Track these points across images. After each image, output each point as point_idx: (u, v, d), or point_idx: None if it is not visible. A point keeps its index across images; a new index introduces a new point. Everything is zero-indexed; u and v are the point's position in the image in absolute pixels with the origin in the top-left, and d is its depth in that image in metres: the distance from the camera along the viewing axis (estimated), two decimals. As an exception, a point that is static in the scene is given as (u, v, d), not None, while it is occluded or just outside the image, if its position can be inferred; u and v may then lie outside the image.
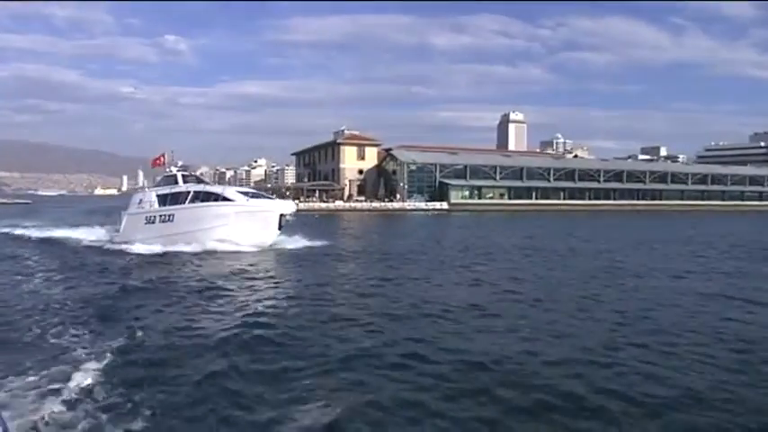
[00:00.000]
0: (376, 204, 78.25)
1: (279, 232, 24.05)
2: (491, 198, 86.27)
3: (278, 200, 26.52)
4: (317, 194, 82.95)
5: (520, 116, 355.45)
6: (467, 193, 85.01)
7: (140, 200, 26.77)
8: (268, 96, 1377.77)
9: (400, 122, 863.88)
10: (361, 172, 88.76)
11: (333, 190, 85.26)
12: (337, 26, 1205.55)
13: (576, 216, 68.57)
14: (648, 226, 50.98)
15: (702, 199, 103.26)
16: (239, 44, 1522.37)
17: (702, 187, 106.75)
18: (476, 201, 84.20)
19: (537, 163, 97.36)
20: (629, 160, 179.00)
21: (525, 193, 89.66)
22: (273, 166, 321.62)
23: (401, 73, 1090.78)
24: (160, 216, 24.93)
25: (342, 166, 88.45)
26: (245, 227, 22.94)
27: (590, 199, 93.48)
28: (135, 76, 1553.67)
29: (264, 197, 26.28)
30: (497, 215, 69.69)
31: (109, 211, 66.18)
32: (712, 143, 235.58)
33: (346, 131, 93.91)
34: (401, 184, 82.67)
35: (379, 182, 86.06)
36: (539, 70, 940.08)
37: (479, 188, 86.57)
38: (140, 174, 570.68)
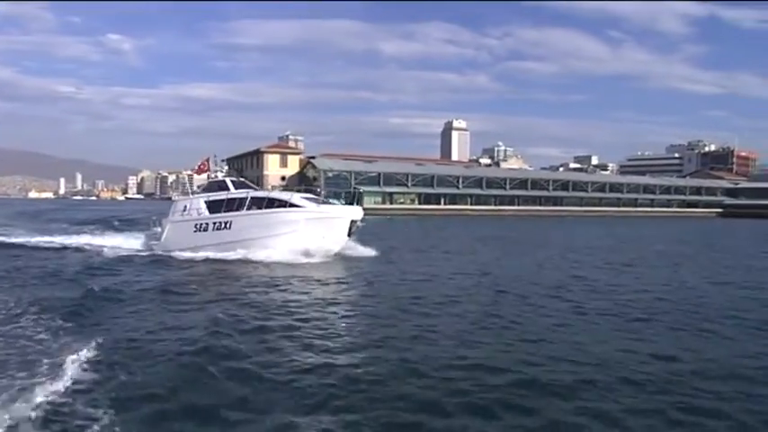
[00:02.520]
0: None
1: (348, 239, 23.67)
2: (402, 203, 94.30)
3: (346, 205, 26.35)
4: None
5: (463, 124, 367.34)
6: (379, 198, 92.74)
7: (185, 207, 25.46)
8: (215, 100, 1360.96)
9: (351, 128, 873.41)
10: (283, 178, 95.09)
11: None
12: (287, 30, 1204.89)
13: (476, 219, 76.86)
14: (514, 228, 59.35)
15: (600, 205, 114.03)
16: (186, 45, 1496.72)
17: (600, 194, 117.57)
18: (387, 206, 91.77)
19: (447, 171, 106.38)
20: (562, 169, 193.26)
21: (434, 198, 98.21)
22: (217, 171, 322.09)
23: (351, 79, 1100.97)
24: (214, 223, 23.89)
25: (265, 172, 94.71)
26: (316, 233, 22.35)
27: (496, 205, 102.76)
28: (75, 75, 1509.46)
29: (329, 202, 26.24)
30: (408, 219, 77.27)
31: (36, 214, 70.32)
32: (639, 153, 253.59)
33: (290, 137, 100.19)
34: (318, 190, 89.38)
35: (301, 188, 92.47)
36: (486, 78, 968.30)
37: (391, 194, 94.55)
38: (78, 176, 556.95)
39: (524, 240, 39.47)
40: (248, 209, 23.51)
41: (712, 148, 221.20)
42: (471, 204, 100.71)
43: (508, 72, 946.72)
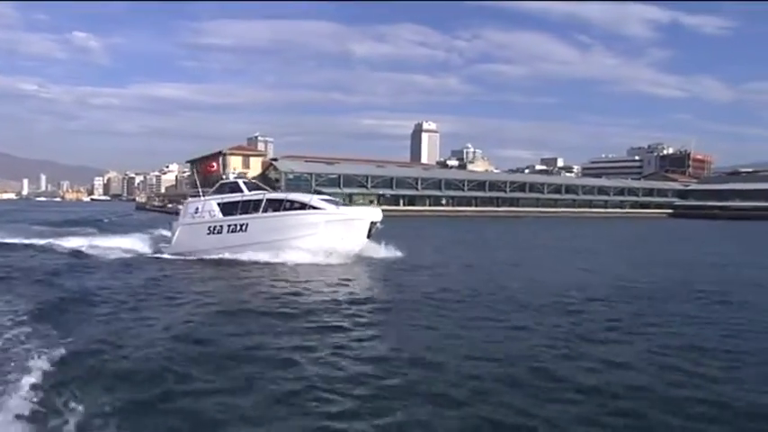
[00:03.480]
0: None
1: (367, 240, 23.50)
2: (361, 204, 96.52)
3: (365, 207, 25.82)
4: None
5: (433, 125, 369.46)
6: (339, 199, 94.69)
7: (197, 209, 25.13)
8: (185, 100, 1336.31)
9: (323, 129, 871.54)
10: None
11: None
12: (258, 31, 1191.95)
13: (433, 220, 79.52)
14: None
15: (556, 206, 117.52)
16: (155, 45, 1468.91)
17: (557, 196, 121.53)
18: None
19: (406, 173, 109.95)
20: (528, 171, 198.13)
21: (393, 200, 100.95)
22: (185, 172, 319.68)
23: (323, 80, 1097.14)
24: (229, 225, 23.53)
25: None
26: (335, 236, 22.20)
27: (454, 206, 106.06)
28: (40, 74, 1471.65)
29: (345, 204, 26.04)
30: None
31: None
32: (602, 155, 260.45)
33: (260, 138, 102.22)
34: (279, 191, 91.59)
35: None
36: (456, 80, 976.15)
37: (350, 195, 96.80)
38: (43, 177, 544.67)
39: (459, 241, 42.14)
40: (264, 211, 23.28)
41: (671, 150, 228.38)
42: (430, 205, 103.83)
43: (479, 74, 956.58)
